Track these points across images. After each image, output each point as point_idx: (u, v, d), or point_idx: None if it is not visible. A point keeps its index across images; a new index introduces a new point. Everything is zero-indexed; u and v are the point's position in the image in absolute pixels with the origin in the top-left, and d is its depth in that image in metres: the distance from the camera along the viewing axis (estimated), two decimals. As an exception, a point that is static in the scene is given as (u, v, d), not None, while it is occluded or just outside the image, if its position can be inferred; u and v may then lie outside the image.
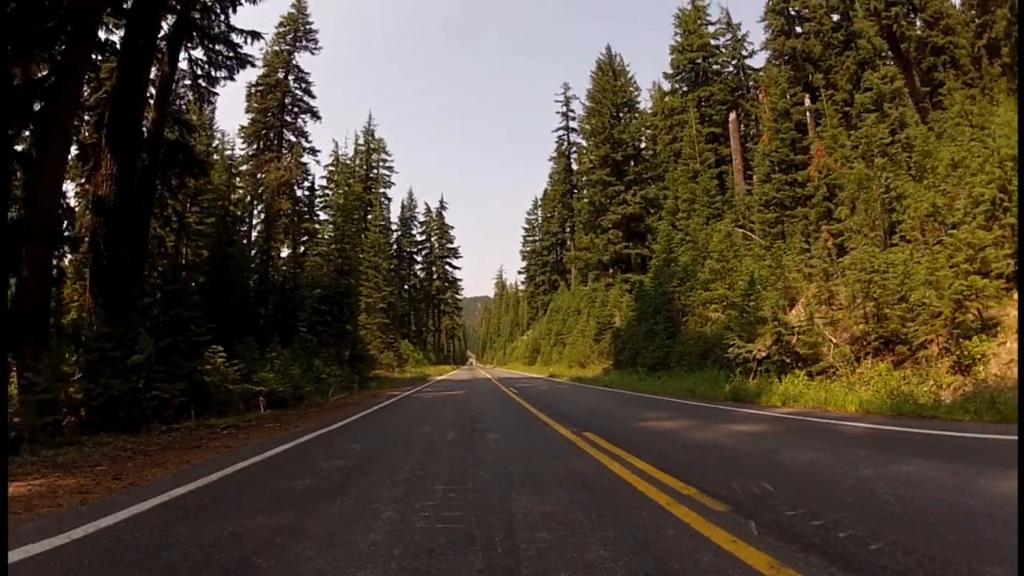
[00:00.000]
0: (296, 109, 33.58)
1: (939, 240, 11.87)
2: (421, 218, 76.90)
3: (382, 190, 62.12)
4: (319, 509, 3.82)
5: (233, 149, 30.72)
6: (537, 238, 75.15)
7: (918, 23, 25.50)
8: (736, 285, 17.89)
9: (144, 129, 12.85)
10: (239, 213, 26.29)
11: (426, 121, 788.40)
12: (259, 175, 30.58)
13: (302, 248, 32.23)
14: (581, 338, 39.56)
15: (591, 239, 45.20)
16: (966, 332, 10.02)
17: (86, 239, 13.43)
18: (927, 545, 2.72)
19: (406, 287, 70.85)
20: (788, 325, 13.30)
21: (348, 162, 51.07)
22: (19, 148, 11.54)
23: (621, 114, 46.46)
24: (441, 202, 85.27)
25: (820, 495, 3.81)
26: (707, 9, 39.56)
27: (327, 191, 41.23)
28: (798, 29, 29.14)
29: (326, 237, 30.75)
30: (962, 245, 10.60)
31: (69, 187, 15.95)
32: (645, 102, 48.92)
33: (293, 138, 33.21)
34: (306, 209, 34.56)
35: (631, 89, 47.94)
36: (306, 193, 34.74)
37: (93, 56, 12.49)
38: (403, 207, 74.52)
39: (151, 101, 13.63)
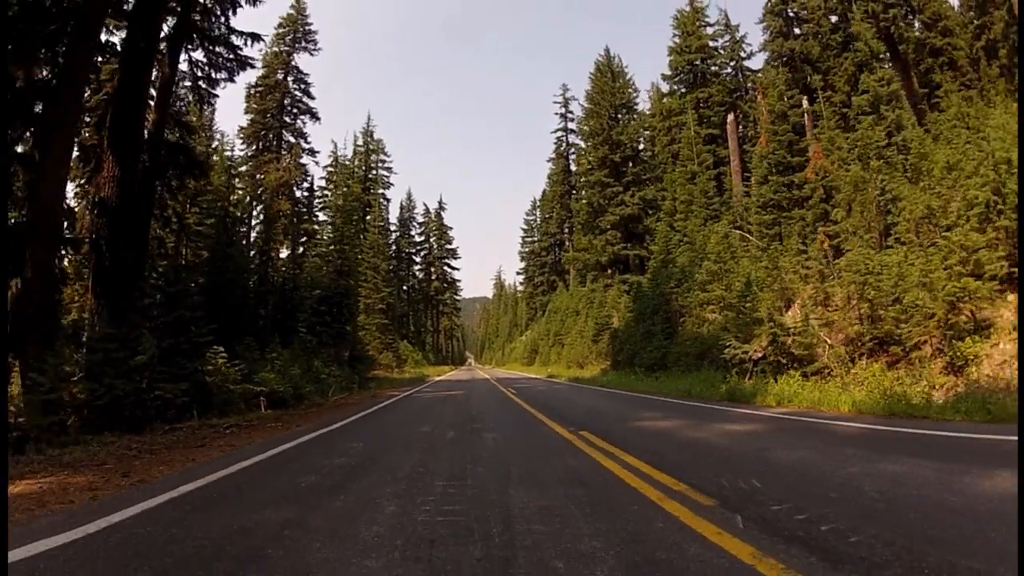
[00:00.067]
0: (295, 110, 33.73)
1: (933, 242, 11.98)
2: (420, 219, 77.19)
3: (381, 191, 62.33)
4: (324, 504, 3.96)
5: (232, 150, 30.86)
6: (536, 239, 75.33)
7: (917, 24, 25.64)
8: (733, 286, 18.00)
9: (145, 131, 12.94)
10: (238, 214, 26.43)
11: (426, 121, 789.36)
12: (258, 176, 30.66)
13: (301, 249, 32.36)
14: (579, 339, 39.69)
15: (589, 240, 45.36)
16: (959, 333, 10.12)
17: (86, 240, 13.53)
18: (906, 538, 2.84)
19: (405, 288, 70.96)
20: (784, 326, 13.43)
21: (347, 163, 51.26)
22: (22, 149, 11.66)
23: (620, 115, 46.62)
24: (440, 203, 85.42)
25: (806, 491, 3.95)
26: (706, 11, 39.80)
27: (326, 192, 41.41)
28: (796, 31, 29.30)
29: (325, 238, 30.91)
30: (956, 247, 10.71)
31: (69, 188, 16.04)
32: (644, 103, 49.22)
33: (292, 139, 33.35)
34: (305, 210, 34.67)
35: (630, 91, 48.12)
36: (305, 194, 34.92)
37: (95, 58, 12.59)
38: (402, 208, 74.83)
39: (151, 103, 13.72)
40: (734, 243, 22.96)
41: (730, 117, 33.85)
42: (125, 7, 12.80)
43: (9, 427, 7.11)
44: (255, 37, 15.48)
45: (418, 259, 76.88)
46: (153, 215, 14.11)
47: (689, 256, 24.99)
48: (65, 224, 14.13)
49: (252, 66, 16.38)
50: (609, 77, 47.85)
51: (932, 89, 23.45)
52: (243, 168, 31.16)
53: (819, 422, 7.95)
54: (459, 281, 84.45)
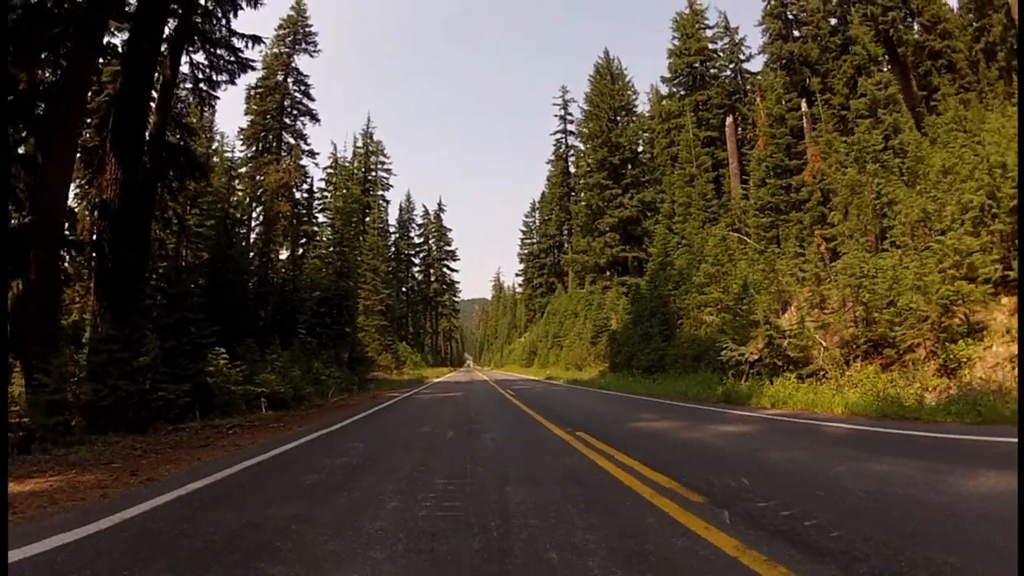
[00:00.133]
0: (295, 112, 33.86)
1: (928, 246, 12.10)
2: (419, 220, 77.39)
3: (380, 192, 62.56)
4: (329, 501, 4.10)
5: (232, 151, 30.99)
6: (535, 240, 75.44)
7: (916, 27, 25.78)
8: (730, 289, 18.12)
9: (146, 133, 13.03)
10: (238, 215, 26.50)
11: (426, 121, 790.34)
12: (258, 177, 30.72)
13: (301, 250, 32.46)
14: (578, 341, 39.78)
15: (588, 242, 45.52)
16: (952, 336, 10.22)
17: (88, 242, 13.63)
18: (886, 534, 2.97)
19: (404, 289, 71.08)
20: (780, 329, 13.55)
21: (346, 165, 51.36)
22: (25, 151, 11.74)
23: (619, 118, 46.81)
24: (439, 204, 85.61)
25: (794, 490, 4.08)
26: (705, 13, 39.97)
27: (325, 194, 41.56)
28: (796, 33, 29.43)
29: (324, 240, 31.03)
30: (949, 251, 10.84)
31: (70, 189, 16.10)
32: (643, 105, 49.39)
33: (292, 140, 33.48)
34: (305, 211, 34.78)
35: (629, 93, 48.33)
36: (305, 195, 35.03)
37: (97, 60, 12.67)
38: (401, 209, 74.95)
39: (153, 105, 13.81)
40: (732, 246, 23.09)
41: (729, 120, 34.00)
42: (127, 8, 12.88)
43: (13, 427, 7.22)
44: (256, 39, 15.56)
45: (417, 261, 77.13)
46: (154, 217, 14.20)
47: (687, 258, 25.13)
48: (65, 225, 14.24)
49: (253, 68, 16.48)
50: (608, 79, 48.03)
51: (931, 92, 23.60)
52: (243, 169, 31.25)
53: (812, 423, 8.06)
54: (458, 283, 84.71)
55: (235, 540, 3.16)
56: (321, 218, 36.34)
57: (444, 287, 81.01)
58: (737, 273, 19.28)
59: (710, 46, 39.12)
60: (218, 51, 15.30)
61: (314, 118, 34.06)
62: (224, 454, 6.61)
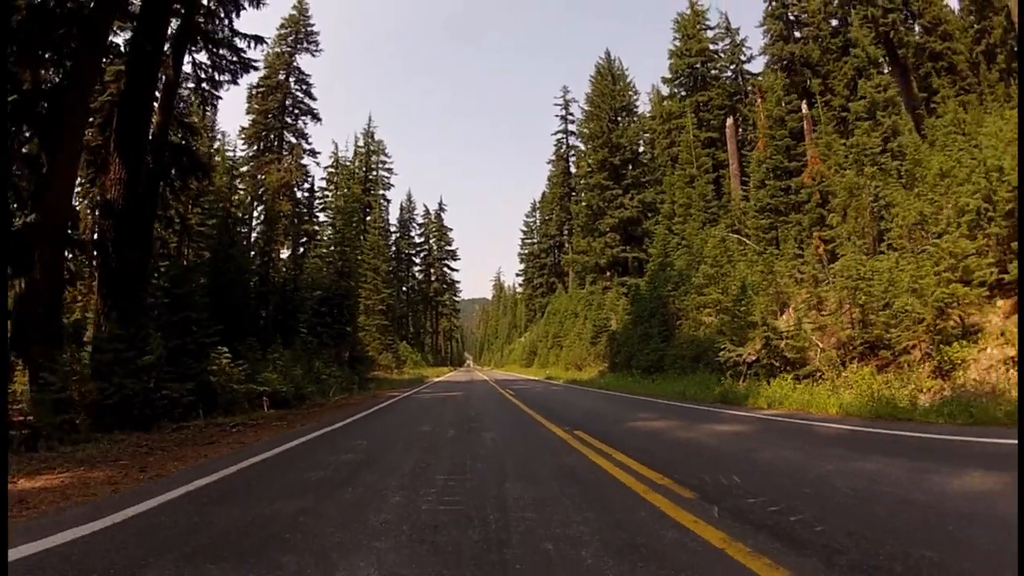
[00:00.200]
0: (296, 111, 33.94)
1: (924, 248, 12.20)
2: (420, 220, 77.53)
3: (381, 192, 62.64)
4: (334, 496, 4.24)
5: (234, 151, 31.12)
6: (535, 241, 75.55)
7: (916, 29, 25.84)
8: (729, 290, 18.22)
9: (149, 132, 13.12)
10: (240, 214, 26.58)
11: (428, 120, 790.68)
12: (259, 176, 30.84)
13: (302, 250, 32.55)
14: (578, 341, 39.89)
15: (588, 242, 45.62)
16: (947, 338, 10.32)
17: (91, 241, 13.73)
18: (868, 529, 3.09)
19: (404, 289, 71.22)
20: (777, 330, 13.66)
21: (348, 164, 51.45)
22: (29, 151, 11.83)
23: (619, 118, 46.91)
24: (440, 204, 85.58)
25: (782, 487, 4.22)
26: (706, 14, 40.02)
27: (327, 193, 41.64)
28: (796, 34, 29.49)
29: (325, 239, 31.12)
30: (945, 254, 10.94)
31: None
32: (644, 106, 49.52)
33: (293, 140, 33.57)
34: (306, 211, 34.90)
35: (630, 93, 48.42)
36: (306, 195, 35.15)
37: (101, 60, 12.75)
38: (402, 209, 75.15)
39: (156, 104, 13.91)
40: (731, 247, 23.19)
41: (729, 121, 34.10)
42: (131, 8, 12.97)
43: (17, 425, 7.34)
44: (258, 39, 15.64)
45: (418, 260, 77.24)
46: (156, 216, 14.29)
47: (687, 259, 25.23)
48: (68, 224, 14.33)
49: (255, 68, 16.58)
50: (609, 80, 48.14)
51: (931, 94, 23.67)
52: (244, 169, 31.38)
53: (806, 424, 8.18)
54: (458, 282, 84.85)
55: (246, 532, 3.30)
56: (322, 217, 36.50)
57: (444, 287, 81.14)
58: (736, 274, 19.38)
59: (711, 47, 39.21)
60: (220, 51, 15.39)
61: (315, 117, 34.21)
62: (229, 451, 6.75)
